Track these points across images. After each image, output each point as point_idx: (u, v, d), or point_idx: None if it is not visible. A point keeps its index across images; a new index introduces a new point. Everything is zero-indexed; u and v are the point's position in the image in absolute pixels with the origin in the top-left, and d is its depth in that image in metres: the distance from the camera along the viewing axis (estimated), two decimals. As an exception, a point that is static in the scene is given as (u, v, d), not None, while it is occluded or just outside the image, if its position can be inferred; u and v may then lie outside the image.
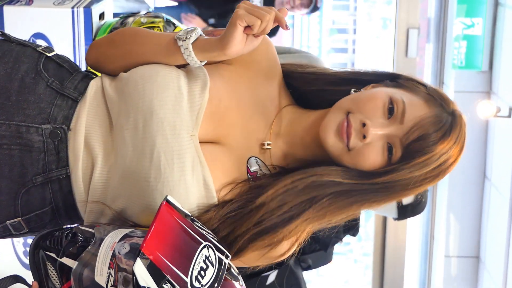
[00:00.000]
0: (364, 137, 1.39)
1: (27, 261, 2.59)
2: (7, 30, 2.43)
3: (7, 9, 2.42)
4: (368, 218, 5.67)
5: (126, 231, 1.30)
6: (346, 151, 1.42)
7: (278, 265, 2.87)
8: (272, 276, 2.90)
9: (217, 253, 1.28)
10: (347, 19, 9.29)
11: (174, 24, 2.52)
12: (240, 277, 1.35)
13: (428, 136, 1.39)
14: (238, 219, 1.41)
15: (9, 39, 1.55)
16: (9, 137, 1.41)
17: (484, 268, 4.76)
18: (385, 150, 1.41)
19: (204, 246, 1.25)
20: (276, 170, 1.50)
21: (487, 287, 4.72)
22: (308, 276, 3.27)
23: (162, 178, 1.36)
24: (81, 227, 1.33)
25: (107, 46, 1.54)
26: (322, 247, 3.08)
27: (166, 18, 2.54)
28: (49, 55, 1.51)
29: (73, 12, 2.42)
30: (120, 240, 1.26)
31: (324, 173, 1.41)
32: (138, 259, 1.17)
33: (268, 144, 1.50)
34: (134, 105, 1.41)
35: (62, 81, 1.47)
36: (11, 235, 1.49)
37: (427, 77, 5.22)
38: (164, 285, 1.18)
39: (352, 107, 1.43)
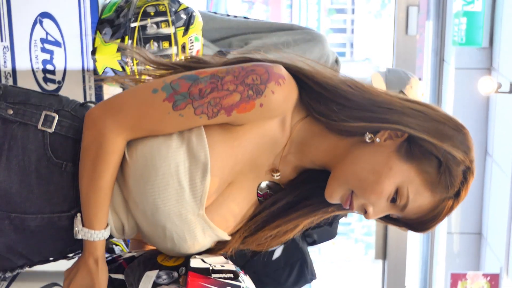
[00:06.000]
0: (366, 212, 1.50)
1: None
2: (14, 11, 2.46)
3: (13, -11, 2.45)
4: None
5: (153, 276, 1.49)
6: None
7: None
8: (278, 251, 2.94)
9: None
10: (346, -2, 9.34)
11: (178, 1, 2.54)
12: None
13: (423, 220, 1.51)
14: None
15: (7, 118, 1.54)
16: (44, 226, 1.53)
17: (487, 244, 4.82)
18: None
19: None
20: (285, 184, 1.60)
21: (489, 263, 4.78)
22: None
23: (177, 246, 1.53)
24: (112, 276, 1.53)
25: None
26: (327, 222, 3.11)
27: (171, -4, 2.56)
28: (51, 131, 1.54)
29: (79, -10, 2.45)
30: None
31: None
32: None
33: (277, 175, 1.57)
34: (139, 200, 1.50)
35: (74, 161, 1.53)
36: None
37: (427, 55, 5.28)
38: None
39: (357, 191, 1.48)
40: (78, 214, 1.52)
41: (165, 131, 1.48)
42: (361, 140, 1.49)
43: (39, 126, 1.53)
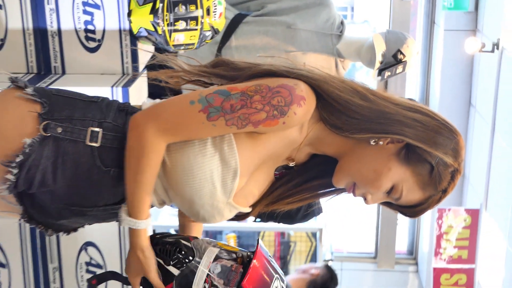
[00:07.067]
0: (365, 199, 1.66)
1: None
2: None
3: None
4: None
5: (216, 251, 1.62)
6: None
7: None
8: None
9: (281, 283, 1.65)
10: (346, -37, 9.30)
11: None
12: None
13: (413, 209, 1.67)
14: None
15: (57, 138, 1.63)
16: (101, 213, 1.71)
17: (469, 183, 4.97)
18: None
19: (276, 278, 1.63)
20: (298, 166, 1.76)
21: (470, 199, 4.94)
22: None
23: (207, 221, 1.69)
24: (182, 242, 1.64)
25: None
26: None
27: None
28: (98, 145, 1.63)
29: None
30: (214, 260, 1.60)
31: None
32: None
33: (292, 163, 1.72)
34: (178, 195, 1.64)
35: (119, 166, 1.64)
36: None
37: (420, 18, 5.40)
38: None
39: (359, 184, 1.63)
40: (123, 205, 1.62)
41: (199, 137, 1.59)
42: (366, 141, 1.62)
43: (87, 142, 1.64)
